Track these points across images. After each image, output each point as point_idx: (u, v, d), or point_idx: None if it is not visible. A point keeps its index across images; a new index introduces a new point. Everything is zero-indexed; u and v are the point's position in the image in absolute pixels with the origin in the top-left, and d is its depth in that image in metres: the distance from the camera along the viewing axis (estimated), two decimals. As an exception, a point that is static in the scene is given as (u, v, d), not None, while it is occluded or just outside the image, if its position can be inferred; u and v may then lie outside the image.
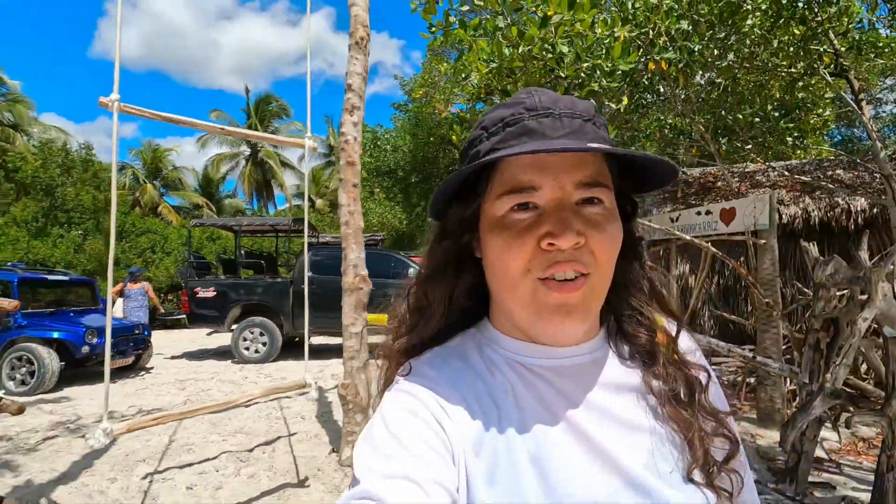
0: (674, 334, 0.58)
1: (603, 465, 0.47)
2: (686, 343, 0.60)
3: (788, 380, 4.93)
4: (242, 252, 9.38)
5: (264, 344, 8.18)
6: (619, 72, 3.24)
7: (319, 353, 8.91)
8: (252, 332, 8.18)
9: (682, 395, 0.53)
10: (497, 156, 0.45)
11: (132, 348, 7.05)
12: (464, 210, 0.53)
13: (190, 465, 3.62)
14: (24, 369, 5.95)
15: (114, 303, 9.07)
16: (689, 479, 0.48)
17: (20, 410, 1.83)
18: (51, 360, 5.93)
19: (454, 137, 3.52)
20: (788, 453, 3.44)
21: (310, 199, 27.70)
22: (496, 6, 3.20)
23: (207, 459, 3.72)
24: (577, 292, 0.47)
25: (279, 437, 4.22)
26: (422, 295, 0.59)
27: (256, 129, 26.64)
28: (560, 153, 0.47)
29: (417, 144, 15.16)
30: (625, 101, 3.59)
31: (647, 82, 5.27)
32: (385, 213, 18.00)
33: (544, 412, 0.50)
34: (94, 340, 6.49)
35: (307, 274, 3.99)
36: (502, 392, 0.51)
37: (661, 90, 6.14)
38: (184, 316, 8.70)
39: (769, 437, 4.07)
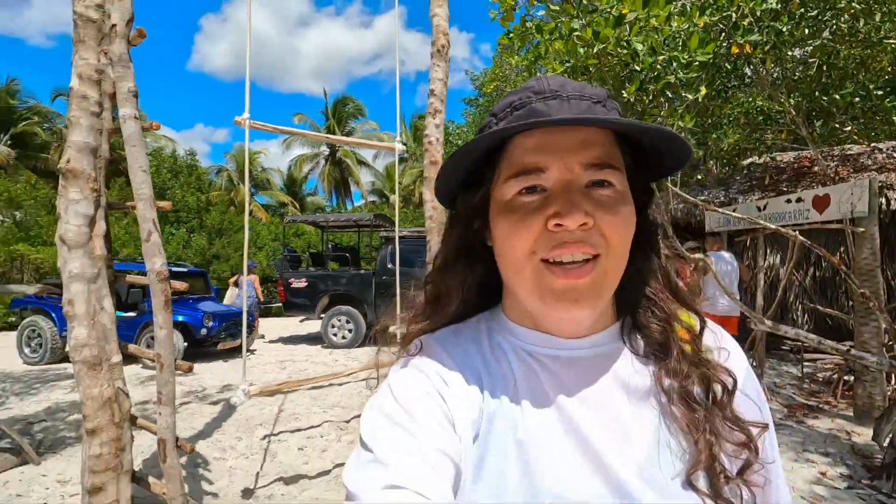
0: (696, 330, 0.54)
1: (593, 466, 0.46)
2: (713, 341, 0.55)
3: (893, 376, 4.62)
4: (329, 246, 10.14)
5: (350, 331, 8.85)
6: (697, 63, 3.27)
7: (399, 340, 9.45)
8: (339, 320, 8.88)
9: (695, 395, 0.50)
10: (493, 131, 0.45)
11: (240, 332, 7.96)
12: (472, 196, 0.52)
13: (299, 430, 4.16)
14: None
15: (223, 293, 10.38)
16: (690, 485, 0.46)
17: (189, 369, 2.33)
18: (177, 340, 6.90)
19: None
20: (885, 449, 3.30)
21: (385, 196, 28.93)
22: (571, 10, 3.35)
23: (313, 426, 4.24)
24: (587, 277, 0.45)
25: (371, 412, 4.69)
26: (438, 284, 0.58)
27: (335, 130, 28.15)
28: (566, 134, 0.46)
29: (488, 139, 15.32)
30: (703, 90, 3.58)
31: (730, 66, 5.12)
32: (458, 206, 18.44)
33: (543, 405, 0.49)
34: (210, 324, 7.42)
35: (397, 266, 4.37)
36: (504, 380, 0.50)
37: (747, 73, 5.89)
38: (280, 304, 9.59)
39: (866, 434, 3.89)
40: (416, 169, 26.15)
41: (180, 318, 7.16)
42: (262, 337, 10.41)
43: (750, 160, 8.36)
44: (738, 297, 4.38)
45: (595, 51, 3.19)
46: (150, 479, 2.28)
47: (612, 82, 3.73)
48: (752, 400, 0.53)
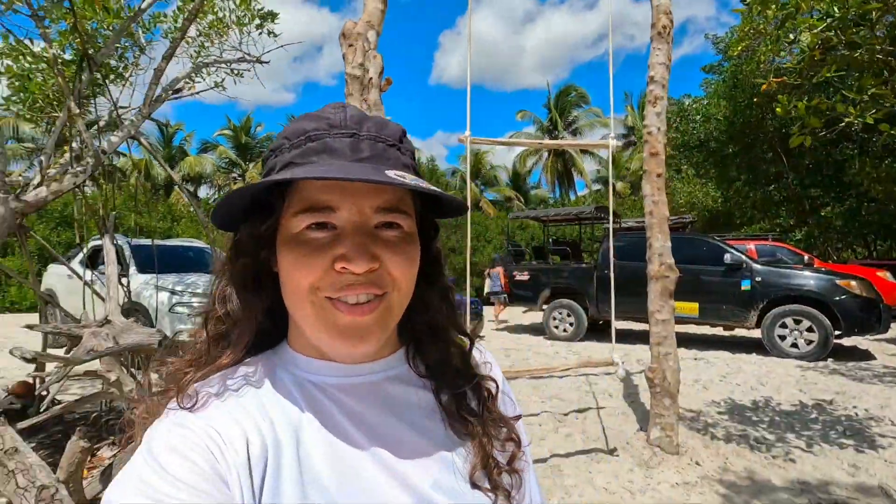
0: (467, 349, 0.60)
1: (394, 484, 0.48)
2: (479, 357, 0.63)
3: None
4: (550, 240, 10.37)
5: (571, 324, 8.89)
6: None
7: (625, 336, 9.05)
8: (560, 313, 9.01)
9: (472, 406, 0.57)
10: (288, 177, 0.43)
11: (470, 319, 8.88)
12: (259, 225, 0.50)
13: (520, 416, 4.47)
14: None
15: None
16: (475, 485, 0.52)
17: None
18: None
19: (779, 110, 3.13)
20: None
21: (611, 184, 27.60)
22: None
23: (532, 415, 4.50)
24: (371, 314, 0.47)
25: (589, 408, 4.69)
26: (224, 320, 0.53)
27: (557, 122, 28.14)
28: (341, 181, 0.46)
29: (736, 109, 13.11)
30: None
31: None
32: (694, 191, 16.25)
33: (334, 435, 0.49)
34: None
35: (611, 260, 4.26)
36: (288, 416, 0.49)
37: None
38: (505, 295, 10.28)
39: None
40: (645, 152, 24.07)
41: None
42: (506, 322, 11.44)
43: None
44: None
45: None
46: None
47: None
48: (509, 398, 0.66)
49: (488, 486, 0.53)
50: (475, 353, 0.63)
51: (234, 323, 0.52)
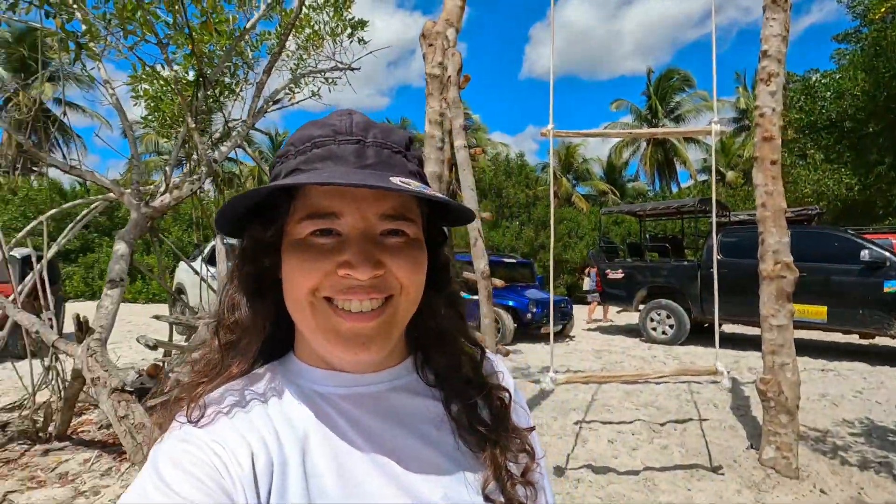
0: (478, 359, 0.59)
1: (403, 498, 0.47)
2: (491, 366, 0.61)
3: None
4: (647, 236, 9.69)
5: (671, 326, 8.25)
6: None
7: (733, 342, 8.21)
8: (659, 314, 8.39)
9: (481, 417, 0.55)
10: (292, 182, 0.43)
11: (559, 319, 8.60)
12: (264, 231, 0.50)
13: (609, 422, 4.23)
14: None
15: (583, 280, 12.07)
16: (487, 498, 0.50)
17: (506, 354, 2.76)
18: (509, 322, 8.03)
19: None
20: None
21: (718, 173, 25.16)
22: None
23: (623, 422, 4.24)
24: (374, 321, 0.47)
25: (690, 419, 4.30)
26: (233, 329, 0.52)
27: (657, 109, 26.30)
28: (345, 186, 0.45)
29: (878, 81, 11.29)
30: None
31: None
32: (823, 179, 14.18)
33: (341, 447, 0.48)
34: (534, 310, 8.32)
35: (716, 257, 3.86)
36: (294, 429, 0.47)
37: None
38: (597, 294, 9.81)
39: None
40: (762, 137, 21.62)
41: (510, 303, 8.30)
42: (599, 321, 11.05)
43: None
44: None
45: None
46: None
47: None
48: (522, 408, 0.62)
49: (502, 500, 0.51)
50: (487, 362, 0.62)
51: (243, 331, 0.51)
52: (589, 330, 10.22)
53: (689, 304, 8.08)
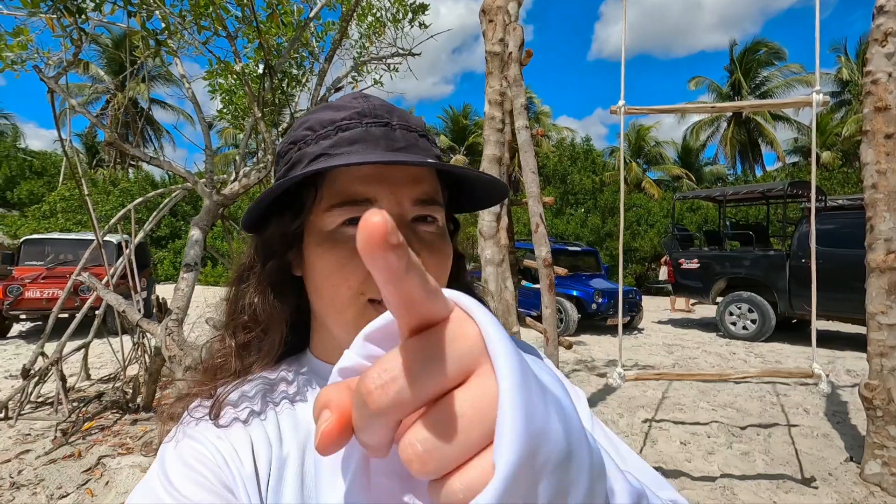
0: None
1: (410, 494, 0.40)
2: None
3: None
4: (727, 223, 8.94)
5: (753, 321, 7.59)
6: None
7: (827, 340, 7.42)
8: (739, 308, 7.75)
9: None
10: (344, 162, 0.40)
11: (627, 310, 8.18)
12: (288, 224, 0.47)
13: (682, 423, 3.95)
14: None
15: (659, 271, 11.65)
16: None
17: (569, 346, 2.61)
18: (572, 312, 7.76)
19: None
20: None
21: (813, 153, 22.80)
22: None
23: (698, 423, 3.93)
24: None
25: (775, 424, 3.91)
26: (249, 328, 0.50)
27: (741, 86, 24.27)
28: (398, 167, 0.44)
29: None
30: None
31: None
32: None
33: (351, 446, 0.42)
34: (600, 300, 7.96)
35: (812, 245, 3.45)
36: (301, 428, 0.46)
37: None
38: (669, 284, 9.24)
39: None
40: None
41: (574, 293, 8.00)
42: (684, 311, 10.54)
43: None
44: None
45: None
46: (528, 320, 2.79)
47: None
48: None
49: None
50: None
51: (263, 331, 0.50)
52: (660, 322, 9.66)
53: (776, 297, 7.38)
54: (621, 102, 2.82)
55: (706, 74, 34.30)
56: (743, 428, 3.84)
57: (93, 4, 3.03)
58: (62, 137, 3.24)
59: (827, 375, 2.64)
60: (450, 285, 0.52)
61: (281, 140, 4.26)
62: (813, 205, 2.63)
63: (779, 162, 24.99)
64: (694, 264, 8.35)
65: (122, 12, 3.33)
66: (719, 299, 8.15)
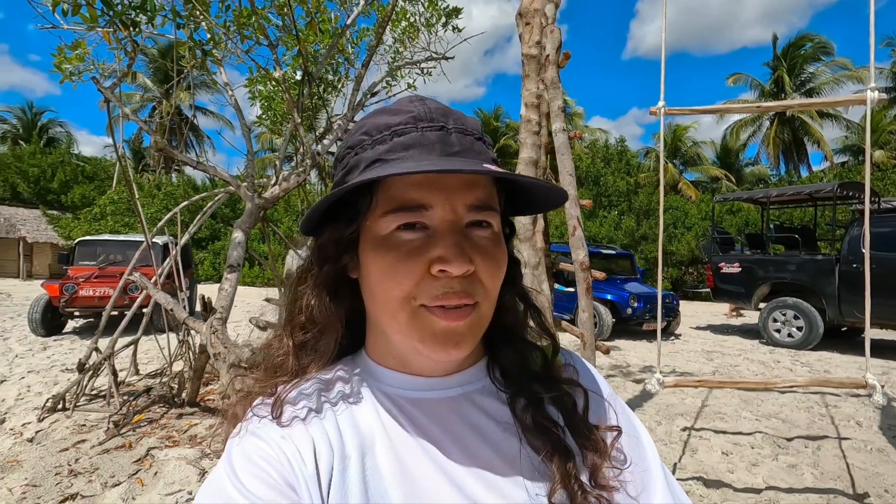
0: (550, 354, 0.57)
1: (464, 501, 0.45)
2: (564, 361, 0.58)
3: None
4: (771, 225, 8.59)
5: (799, 328, 7.27)
6: None
7: (881, 349, 7.03)
8: (784, 314, 7.44)
9: (550, 418, 0.51)
10: (395, 171, 0.40)
11: (664, 315, 7.97)
12: (343, 229, 0.48)
13: (724, 432, 3.82)
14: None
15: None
16: None
17: (607, 351, 2.57)
18: (607, 316, 7.62)
19: None
20: None
21: (863, 153, 21.60)
22: None
23: (741, 433, 3.79)
24: (466, 320, 0.44)
25: (825, 437, 3.74)
26: (306, 328, 0.52)
27: (783, 82, 23.30)
28: (454, 173, 0.44)
29: None
30: None
31: None
32: None
33: (404, 450, 0.47)
34: (635, 304, 7.79)
35: (867, 250, 3.28)
36: (357, 429, 0.47)
37: None
38: (707, 289, 8.95)
39: None
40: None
41: (609, 297, 7.86)
42: (740, 315, 10.25)
43: None
44: None
45: None
46: (564, 324, 2.70)
47: None
48: (609, 405, 0.56)
49: None
50: (561, 357, 0.58)
51: (319, 332, 0.52)
52: (698, 328, 9.37)
53: (824, 303, 7.04)
54: (661, 103, 2.76)
55: (747, 71, 33.02)
56: (790, 439, 3.68)
57: (146, 18, 3.19)
58: (115, 143, 3.41)
59: (882, 386, 2.50)
60: (504, 291, 0.52)
61: (318, 144, 4.35)
62: (867, 206, 2.51)
63: (826, 162, 23.85)
64: (735, 268, 8.06)
65: (171, 24, 3.50)
66: (762, 305, 7.84)
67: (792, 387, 3.21)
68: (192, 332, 3.85)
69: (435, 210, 0.44)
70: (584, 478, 0.49)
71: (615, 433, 0.52)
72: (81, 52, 3.73)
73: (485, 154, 0.47)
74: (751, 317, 9.66)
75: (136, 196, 3.75)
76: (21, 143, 28.62)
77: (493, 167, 0.43)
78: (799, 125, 24.37)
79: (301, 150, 4.25)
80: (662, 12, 2.75)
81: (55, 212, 23.15)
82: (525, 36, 2.68)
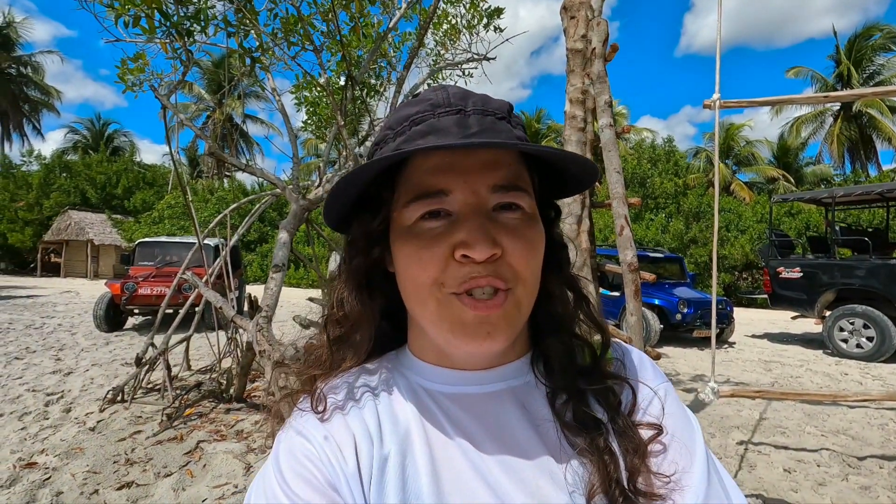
0: (598, 347, 0.52)
1: (497, 500, 0.43)
2: (615, 355, 0.54)
3: None
4: (837, 228, 8.01)
5: (870, 339, 6.72)
6: None
7: (966, 364, 6.39)
8: (852, 323, 6.90)
9: (592, 415, 0.48)
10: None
11: (717, 321, 7.58)
12: (370, 222, 0.48)
13: (785, 448, 3.56)
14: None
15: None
16: None
17: (657, 356, 2.44)
18: (654, 322, 7.32)
19: None
20: None
21: (940, 150, 19.85)
22: None
23: (805, 450, 3.52)
24: (499, 309, 0.42)
25: (902, 457, 3.41)
26: (342, 324, 0.52)
27: (850, 75, 21.81)
28: (470, 154, 0.43)
29: None
30: None
31: None
32: None
33: (441, 448, 0.46)
34: (685, 310, 7.44)
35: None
36: (396, 425, 0.47)
37: None
38: (763, 296, 8.44)
39: None
40: None
41: (656, 302, 7.55)
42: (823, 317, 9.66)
43: None
44: None
45: None
46: (610, 328, 2.57)
47: None
48: (659, 401, 0.50)
49: None
50: (611, 351, 0.55)
51: (352, 326, 0.51)
52: (754, 336, 8.85)
53: (897, 312, 6.49)
54: (716, 95, 2.61)
55: (809, 65, 31.13)
56: (861, 458, 3.39)
57: (199, 28, 3.33)
58: (171, 150, 3.58)
59: (975, 404, 2.25)
60: (550, 278, 0.50)
61: (360, 147, 4.41)
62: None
63: (899, 160, 22.05)
64: (796, 273, 7.56)
65: (223, 34, 3.64)
66: (826, 313, 7.31)
67: (864, 400, 2.96)
68: (240, 329, 3.97)
69: (455, 195, 0.43)
70: (626, 482, 0.46)
71: (656, 432, 0.48)
72: (142, 63, 3.94)
73: (507, 133, 0.45)
74: (803, 326, 9.02)
75: (190, 200, 3.91)
76: (90, 151, 30.78)
77: (500, 140, 0.42)
78: (867, 121, 22.70)
79: (344, 153, 4.32)
80: (718, 2, 2.61)
81: (119, 216, 24.75)
82: (570, 30, 2.61)
